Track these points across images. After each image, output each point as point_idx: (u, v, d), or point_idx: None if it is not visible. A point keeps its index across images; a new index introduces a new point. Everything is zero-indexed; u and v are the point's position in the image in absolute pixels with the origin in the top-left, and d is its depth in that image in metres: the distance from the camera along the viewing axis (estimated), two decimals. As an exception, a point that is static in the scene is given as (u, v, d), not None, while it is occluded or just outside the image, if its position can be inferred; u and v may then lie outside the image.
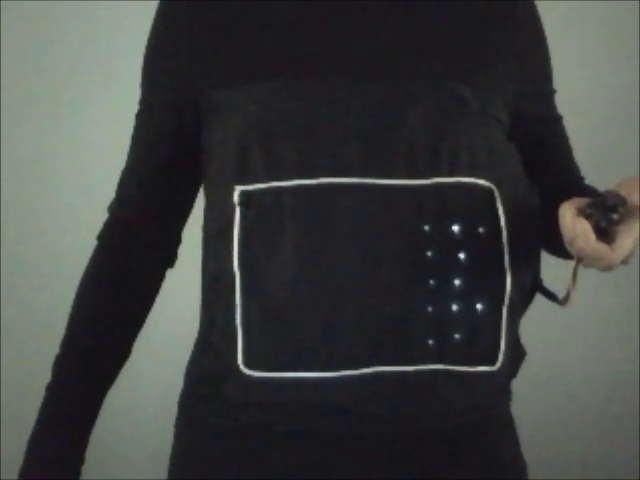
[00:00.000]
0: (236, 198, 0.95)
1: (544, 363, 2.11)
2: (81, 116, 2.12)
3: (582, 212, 0.85)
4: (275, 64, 0.97)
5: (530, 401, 1.81)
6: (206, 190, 1.05)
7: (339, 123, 0.94)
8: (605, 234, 0.85)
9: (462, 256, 0.95)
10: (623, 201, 0.84)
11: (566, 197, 0.89)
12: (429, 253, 0.94)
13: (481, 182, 0.96)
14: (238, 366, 0.95)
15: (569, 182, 1.11)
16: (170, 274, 1.13)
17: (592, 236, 0.84)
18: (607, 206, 0.84)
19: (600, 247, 0.84)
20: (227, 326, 0.96)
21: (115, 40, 2.09)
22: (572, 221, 0.85)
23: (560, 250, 0.92)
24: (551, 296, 1.01)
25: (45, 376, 1.06)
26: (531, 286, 1.04)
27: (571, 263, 0.91)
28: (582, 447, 2.23)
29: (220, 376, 0.98)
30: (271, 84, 0.96)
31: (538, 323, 1.15)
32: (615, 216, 0.84)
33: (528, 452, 1.08)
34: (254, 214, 0.94)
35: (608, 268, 0.86)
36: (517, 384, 1.07)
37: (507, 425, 1.06)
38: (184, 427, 1.06)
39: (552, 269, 1.07)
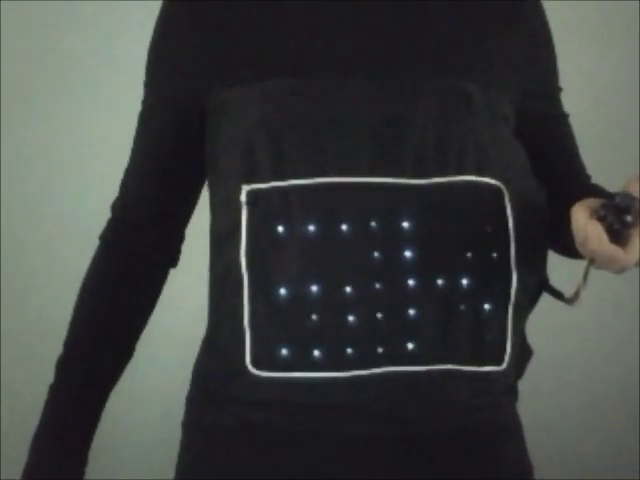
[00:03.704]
0: (243, 197, 0.95)
1: (545, 363, 2.10)
2: (83, 115, 2.12)
3: (595, 214, 0.85)
4: (281, 63, 0.97)
5: (531, 401, 1.81)
6: (212, 190, 1.05)
7: (346, 122, 0.94)
8: (618, 236, 0.84)
9: (469, 255, 0.95)
10: (636, 202, 0.83)
11: (575, 197, 0.88)
12: (437, 252, 0.94)
13: (489, 181, 0.96)
14: (246, 366, 0.95)
15: (575, 181, 1.10)
16: (174, 274, 1.12)
17: (605, 238, 0.83)
18: (620, 208, 0.83)
19: (613, 249, 0.83)
20: (234, 325, 0.96)
21: (117, 40, 2.09)
22: (584, 223, 0.84)
23: (570, 250, 0.92)
24: (558, 295, 1.01)
25: (46, 377, 1.06)
26: (537, 285, 1.04)
27: (578, 262, 0.91)
28: (583, 447, 2.23)
29: (227, 376, 0.98)
30: (278, 82, 0.95)
31: (540, 323, 1.15)
32: (629, 218, 0.83)
33: (530, 452, 1.08)
34: (261, 213, 0.94)
35: (621, 270, 0.85)
36: (519, 383, 1.07)
37: (514, 425, 1.06)
38: (191, 427, 1.05)
39: (558, 268, 1.07)
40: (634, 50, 2.17)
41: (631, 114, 2.17)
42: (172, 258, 1.12)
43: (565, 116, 1.13)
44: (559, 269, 1.07)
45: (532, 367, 1.08)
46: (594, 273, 0.90)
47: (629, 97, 2.17)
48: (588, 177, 1.13)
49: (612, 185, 0.90)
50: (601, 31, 2.18)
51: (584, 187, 1.04)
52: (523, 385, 1.08)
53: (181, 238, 1.12)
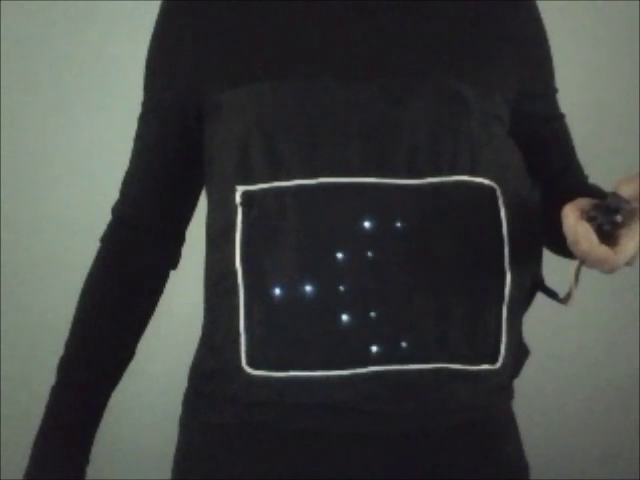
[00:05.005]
0: (238, 199, 0.95)
1: (544, 362, 2.11)
2: (83, 117, 2.12)
3: (585, 214, 0.85)
4: (275, 64, 0.97)
5: (530, 401, 1.81)
6: (208, 191, 1.05)
7: (340, 123, 0.94)
8: (608, 236, 0.84)
9: (463, 255, 0.95)
10: (626, 203, 0.84)
11: (570, 197, 0.89)
12: (430, 252, 0.94)
13: (483, 181, 0.96)
14: (241, 366, 0.95)
15: (572, 181, 1.11)
16: (174, 275, 1.13)
17: (595, 239, 0.83)
18: (611, 209, 0.84)
19: (603, 250, 0.83)
20: (230, 326, 0.96)
21: (117, 41, 2.09)
22: (575, 224, 0.84)
23: (564, 250, 0.92)
24: (553, 295, 1.01)
25: (46, 378, 1.07)
26: (532, 285, 1.04)
27: (573, 262, 0.91)
28: (582, 447, 2.23)
29: (223, 376, 0.98)
30: (271, 84, 0.96)
31: (538, 322, 1.15)
32: (618, 218, 0.83)
33: (527, 451, 1.08)
34: (256, 214, 0.94)
35: (611, 270, 0.86)
36: (517, 383, 1.07)
37: (509, 424, 1.06)
38: (188, 426, 1.05)
39: (554, 267, 1.07)
40: (634, 50, 2.17)
41: (631, 114, 2.17)
42: (172, 260, 1.13)
43: (561, 116, 1.13)
44: (556, 269, 1.08)
45: (531, 367, 1.08)
46: (595, 273, 0.91)
47: (629, 97, 2.17)
48: (585, 177, 1.14)
49: (611, 186, 0.90)
50: (601, 31, 2.18)
51: (581, 187, 1.05)
52: (522, 385, 1.08)
53: (181, 240, 1.13)
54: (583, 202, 0.87)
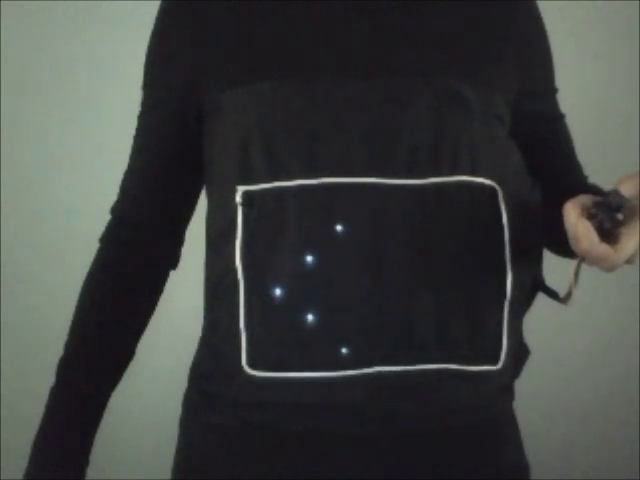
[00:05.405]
0: (238, 199, 0.95)
1: (544, 362, 2.10)
2: (83, 117, 2.13)
3: (586, 211, 0.85)
4: (275, 64, 0.97)
5: (530, 400, 1.81)
6: (208, 191, 1.06)
7: (341, 123, 0.94)
8: (609, 234, 0.84)
9: (464, 255, 0.95)
10: (627, 201, 0.84)
11: (570, 196, 0.89)
12: (431, 252, 0.94)
13: (483, 181, 0.96)
14: (242, 366, 0.95)
15: (572, 181, 1.11)
16: (174, 275, 1.13)
17: (595, 237, 0.83)
18: (612, 206, 0.84)
19: (603, 248, 0.83)
20: (230, 326, 0.96)
21: (117, 41, 2.09)
22: (576, 222, 0.84)
23: (565, 250, 0.92)
24: (553, 294, 1.01)
25: (47, 378, 1.06)
26: (533, 285, 1.04)
27: (573, 261, 0.91)
28: (582, 447, 2.23)
29: (224, 376, 0.99)
30: (271, 84, 0.96)
31: (538, 322, 1.15)
32: (620, 216, 0.83)
33: (527, 451, 1.08)
34: (256, 214, 0.94)
35: (611, 269, 0.86)
36: (517, 383, 1.07)
37: (510, 424, 1.06)
38: (188, 427, 1.06)
39: (554, 267, 1.07)
40: (634, 50, 2.17)
41: (631, 114, 2.17)
42: (172, 260, 1.12)
43: (561, 116, 1.13)
44: (556, 269, 1.08)
45: (531, 367, 1.08)
46: (595, 273, 0.91)
47: (629, 97, 2.17)
48: (585, 177, 1.14)
49: (612, 186, 0.91)
50: (601, 31, 2.18)
51: (580, 187, 1.04)
52: (522, 385, 1.08)
53: (181, 240, 1.12)
54: (584, 198, 0.87)
